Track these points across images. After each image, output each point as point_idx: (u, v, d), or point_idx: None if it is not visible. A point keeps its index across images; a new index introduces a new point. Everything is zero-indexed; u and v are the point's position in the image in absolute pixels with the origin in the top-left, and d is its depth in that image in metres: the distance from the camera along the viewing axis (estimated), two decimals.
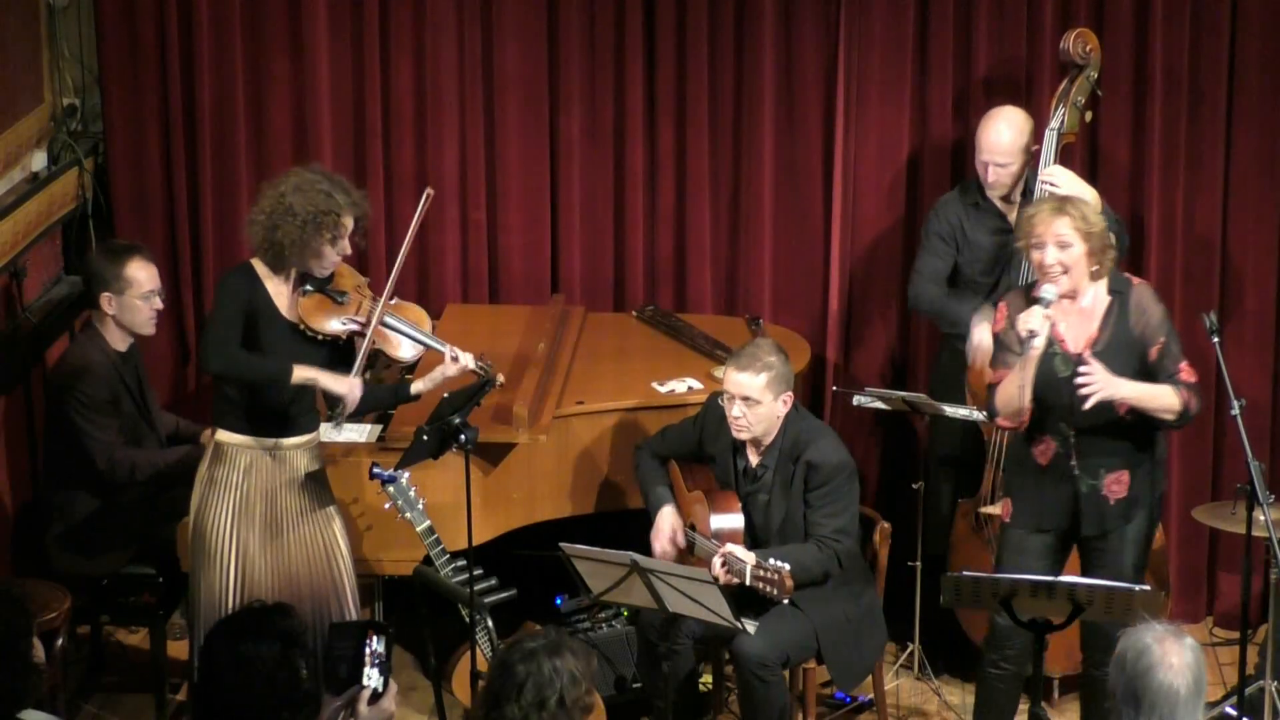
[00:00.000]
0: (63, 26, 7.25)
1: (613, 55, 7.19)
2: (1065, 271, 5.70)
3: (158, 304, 6.51)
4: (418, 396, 6.05)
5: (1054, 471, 5.83)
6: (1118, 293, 5.81)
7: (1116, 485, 5.83)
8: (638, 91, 7.19)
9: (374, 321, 5.85)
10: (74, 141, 7.26)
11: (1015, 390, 5.69)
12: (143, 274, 6.46)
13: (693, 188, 7.26)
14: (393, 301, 5.96)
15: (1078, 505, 5.83)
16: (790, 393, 6.08)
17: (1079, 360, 5.71)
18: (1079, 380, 5.63)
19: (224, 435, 5.91)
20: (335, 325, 5.85)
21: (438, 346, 5.97)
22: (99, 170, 7.35)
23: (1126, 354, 5.75)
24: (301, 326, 5.82)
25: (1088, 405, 5.63)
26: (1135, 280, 5.90)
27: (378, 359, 6.27)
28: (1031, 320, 5.61)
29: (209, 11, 7.14)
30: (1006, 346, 5.80)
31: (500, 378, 6.05)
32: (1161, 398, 5.71)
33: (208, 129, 7.22)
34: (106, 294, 6.43)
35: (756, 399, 6.01)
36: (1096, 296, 5.80)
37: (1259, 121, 7.03)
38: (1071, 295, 5.75)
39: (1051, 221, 5.69)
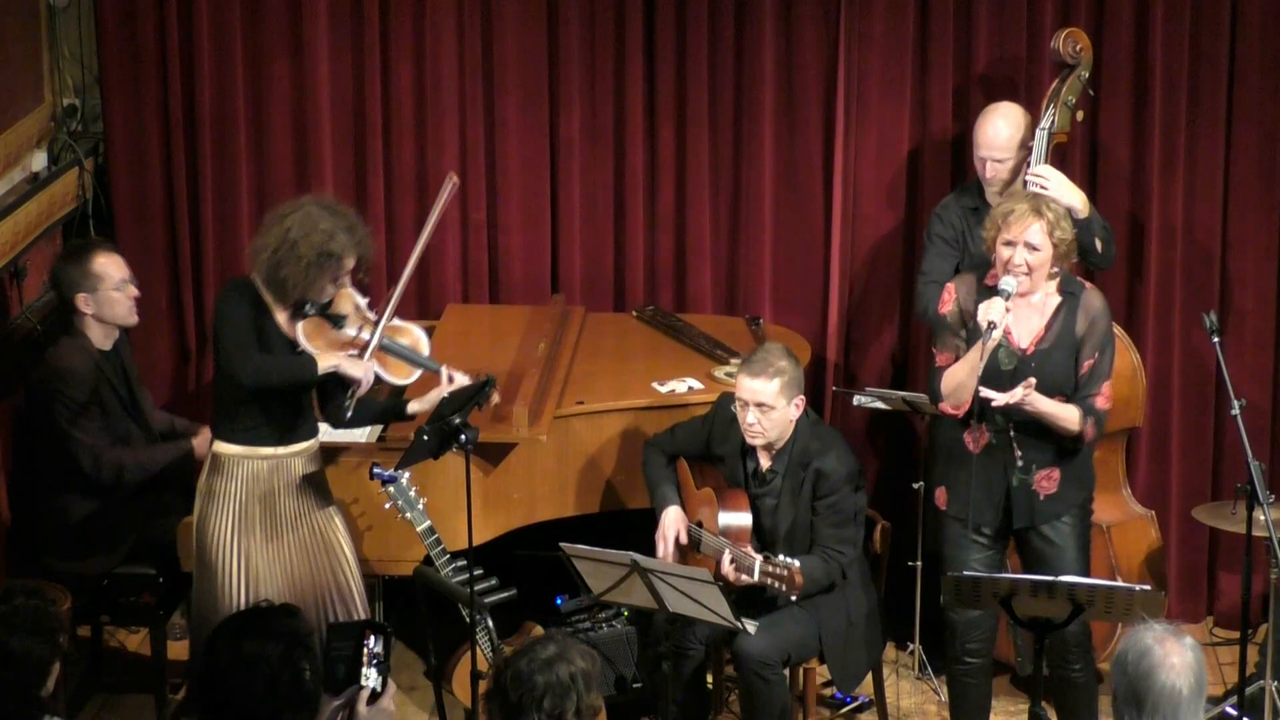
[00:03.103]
0: (63, 26, 7.25)
1: (613, 55, 7.19)
2: (1028, 273, 5.80)
3: (133, 291, 6.50)
4: (413, 416, 6.07)
5: (985, 461, 5.90)
6: (1069, 294, 5.91)
7: (1047, 481, 5.92)
8: (638, 91, 7.19)
9: (372, 346, 5.87)
10: (74, 141, 7.26)
11: (965, 376, 5.79)
12: (111, 265, 6.45)
13: (693, 188, 7.26)
14: (393, 323, 5.97)
15: (1009, 498, 5.89)
16: (802, 396, 6.08)
17: (1023, 355, 5.81)
18: (1019, 390, 5.72)
19: (221, 446, 5.91)
20: (332, 351, 5.86)
21: (434, 368, 5.99)
22: (99, 170, 7.35)
23: (1068, 354, 5.85)
24: (300, 348, 5.83)
25: (996, 402, 5.73)
26: (1088, 285, 6.00)
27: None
28: (993, 311, 5.73)
29: (209, 11, 7.14)
30: (950, 329, 5.93)
31: (495, 397, 6.07)
32: (1065, 420, 5.83)
33: (208, 129, 7.22)
34: (81, 295, 6.42)
35: (771, 404, 6.01)
36: (1047, 294, 5.89)
37: (1259, 121, 7.03)
38: (1025, 293, 5.85)
39: (1027, 224, 5.79)
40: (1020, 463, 5.86)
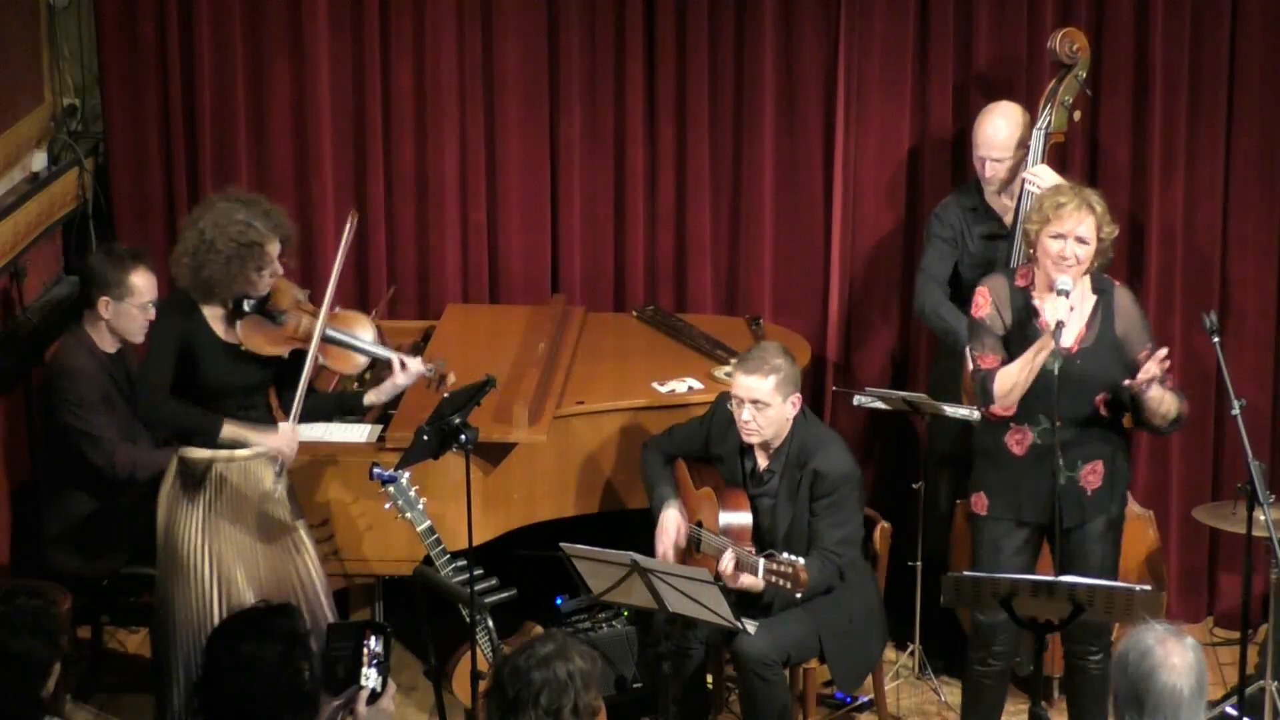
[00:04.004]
0: (63, 26, 7.26)
1: (613, 55, 7.20)
2: (1075, 265, 5.79)
3: (152, 314, 6.50)
4: (370, 408, 6.04)
5: (1030, 462, 5.89)
6: (1102, 292, 5.92)
7: (1092, 475, 5.92)
8: (638, 91, 7.19)
9: (316, 338, 5.80)
10: (74, 141, 7.27)
11: (1024, 378, 5.79)
12: (144, 283, 6.46)
13: (693, 188, 7.26)
14: (336, 311, 5.91)
15: (1056, 497, 5.87)
16: (798, 394, 6.08)
17: (1068, 355, 5.80)
18: (1151, 367, 5.72)
19: (185, 450, 5.88)
20: (274, 348, 5.81)
21: (385, 355, 5.94)
22: (99, 170, 7.35)
23: (1109, 353, 5.85)
24: (243, 348, 5.79)
25: (1134, 382, 5.72)
26: (1116, 282, 6.00)
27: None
28: (1059, 311, 5.72)
29: (209, 11, 7.14)
30: (989, 331, 5.91)
31: (452, 376, 5.97)
32: (1169, 403, 5.85)
33: (208, 129, 7.22)
34: (105, 298, 6.43)
35: (766, 402, 6.00)
36: (1083, 294, 5.87)
37: (1259, 121, 7.03)
38: None
39: (1080, 218, 5.77)
40: (1066, 459, 5.85)
